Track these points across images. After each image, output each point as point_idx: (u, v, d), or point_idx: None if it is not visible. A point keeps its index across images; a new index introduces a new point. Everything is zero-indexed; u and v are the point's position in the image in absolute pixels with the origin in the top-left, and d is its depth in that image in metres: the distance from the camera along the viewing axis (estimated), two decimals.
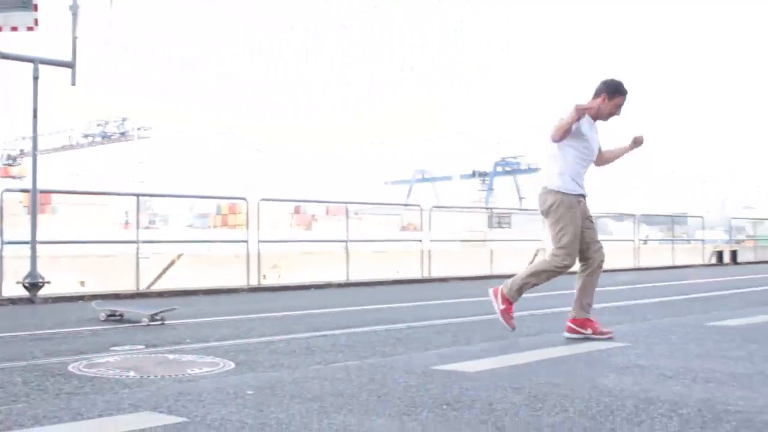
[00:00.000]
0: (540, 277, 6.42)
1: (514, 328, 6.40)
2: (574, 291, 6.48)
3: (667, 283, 15.36)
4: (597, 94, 6.41)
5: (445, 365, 4.83)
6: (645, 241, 39.91)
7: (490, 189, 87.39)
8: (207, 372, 4.83)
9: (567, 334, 6.32)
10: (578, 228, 6.36)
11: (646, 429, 3.15)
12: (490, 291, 6.52)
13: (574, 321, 6.36)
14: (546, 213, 6.43)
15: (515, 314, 6.47)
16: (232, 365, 5.10)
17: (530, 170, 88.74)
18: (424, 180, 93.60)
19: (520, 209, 61.93)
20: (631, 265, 24.47)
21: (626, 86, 6.43)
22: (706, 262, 28.09)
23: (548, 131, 6.32)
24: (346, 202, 18.39)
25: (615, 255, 25.80)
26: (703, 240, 29.58)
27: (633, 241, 25.57)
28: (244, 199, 15.27)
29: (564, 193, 6.32)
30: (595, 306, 9.73)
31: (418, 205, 20.29)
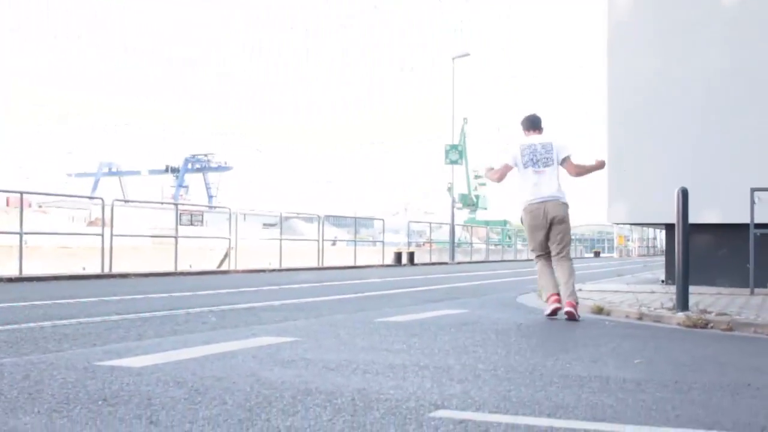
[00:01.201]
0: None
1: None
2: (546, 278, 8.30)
3: (346, 282, 15.91)
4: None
5: (110, 361, 4.68)
6: (334, 242, 41.20)
7: (180, 186, 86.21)
8: None
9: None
10: None
11: (299, 418, 3.23)
12: (566, 308, 7.95)
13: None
14: (563, 220, 8.22)
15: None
16: None
17: (221, 168, 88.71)
18: (111, 174, 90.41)
19: (210, 206, 61.67)
20: (315, 264, 25.17)
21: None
22: (386, 263, 29.50)
23: (569, 165, 8.28)
24: (21, 192, 17.30)
25: (301, 254, 26.45)
26: (383, 242, 31.00)
27: (318, 240, 26.28)
28: None
29: None
30: (274, 303, 9.93)
31: (101, 199, 19.52)
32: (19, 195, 17.41)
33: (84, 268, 18.31)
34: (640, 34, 13.29)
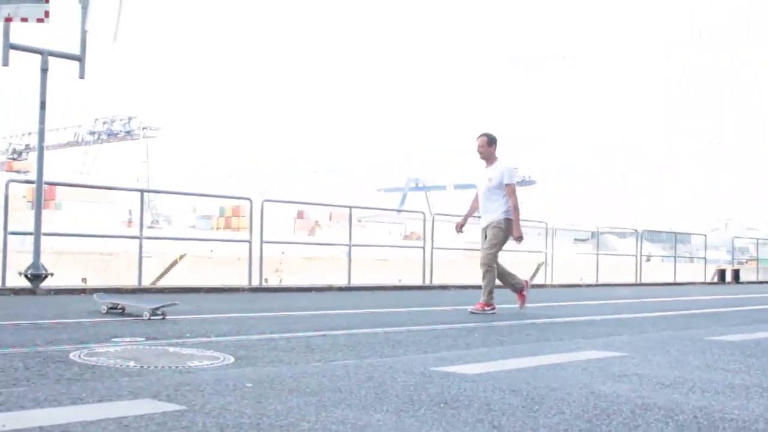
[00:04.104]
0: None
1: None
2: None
3: (667, 299, 15.34)
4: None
5: (444, 367, 4.85)
6: (648, 258, 39.89)
7: None
8: (207, 365, 4.85)
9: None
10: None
11: None
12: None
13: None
14: None
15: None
16: (232, 359, 5.11)
17: (525, 182, 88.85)
18: (417, 189, 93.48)
19: (526, 220, 61.93)
20: (632, 281, 24.50)
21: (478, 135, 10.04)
22: (708, 280, 28.07)
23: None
24: (350, 206, 18.40)
25: (617, 270, 25.85)
26: (705, 258, 29.54)
27: (635, 256, 25.57)
28: (248, 199, 15.26)
29: None
30: (595, 318, 9.80)
31: (422, 212, 20.30)
32: (347, 210, 18.50)
33: (399, 280, 19.10)
34: None
